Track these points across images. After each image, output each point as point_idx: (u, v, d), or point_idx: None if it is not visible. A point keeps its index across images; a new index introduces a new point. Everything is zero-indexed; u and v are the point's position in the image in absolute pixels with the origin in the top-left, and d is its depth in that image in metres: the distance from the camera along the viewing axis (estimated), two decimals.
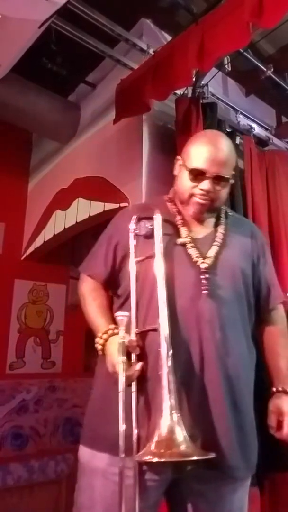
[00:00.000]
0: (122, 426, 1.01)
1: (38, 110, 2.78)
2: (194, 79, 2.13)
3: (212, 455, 0.95)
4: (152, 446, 0.92)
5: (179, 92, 2.28)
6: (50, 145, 3.24)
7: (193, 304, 1.13)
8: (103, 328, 1.17)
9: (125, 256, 1.24)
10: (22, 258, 3.30)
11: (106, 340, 1.14)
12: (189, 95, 2.25)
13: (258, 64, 2.47)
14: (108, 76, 2.73)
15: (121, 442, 1.00)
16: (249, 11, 1.61)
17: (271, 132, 2.81)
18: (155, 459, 0.91)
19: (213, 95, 2.39)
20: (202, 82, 2.25)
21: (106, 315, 1.22)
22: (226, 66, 2.30)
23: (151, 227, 1.22)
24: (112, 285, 1.30)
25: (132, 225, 1.25)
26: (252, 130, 2.58)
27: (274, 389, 1.23)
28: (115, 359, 1.06)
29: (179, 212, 1.30)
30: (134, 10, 2.47)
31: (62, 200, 2.89)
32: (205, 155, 1.23)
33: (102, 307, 1.25)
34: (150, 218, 1.25)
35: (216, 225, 1.31)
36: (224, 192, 1.28)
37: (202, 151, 1.24)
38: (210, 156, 1.22)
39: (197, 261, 1.18)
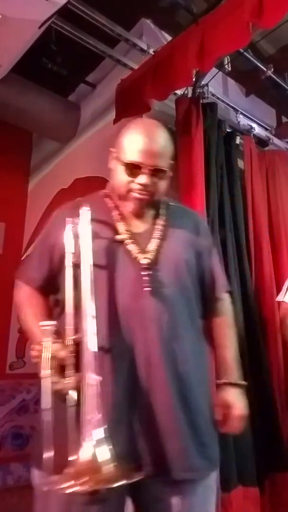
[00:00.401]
0: (46, 447, 0.92)
1: (38, 110, 2.78)
2: (194, 79, 2.14)
3: (139, 477, 0.90)
4: (71, 472, 0.84)
5: (179, 92, 2.28)
6: (50, 145, 3.24)
7: (135, 303, 1.07)
8: (36, 339, 1.08)
9: (63, 258, 1.14)
10: (22, 258, 3.30)
11: (39, 351, 1.05)
12: (189, 95, 2.25)
13: (258, 64, 2.48)
14: (108, 76, 2.73)
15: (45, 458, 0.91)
16: (249, 11, 1.61)
17: (271, 132, 2.82)
18: (72, 489, 0.82)
19: (213, 95, 2.40)
20: (202, 82, 2.25)
21: (40, 320, 1.13)
22: (226, 66, 2.30)
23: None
24: (51, 289, 1.21)
25: (68, 225, 1.16)
26: (252, 130, 2.58)
27: (218, 381, 1.19)
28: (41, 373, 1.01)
29: (117, 207, 1.22)
30: (134, 10, 2.47)
31: (62, 200, 2.88)
32: (139, 147, 1.14)
33: (37, 315, 1.17)
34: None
35: (155, 218, 1.24)
36: (163, 184, 1.20)
37: (136, 142, 1.15)
38: (144, 147, 1.14)
39: (137, 257, 1.12)
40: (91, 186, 2.66)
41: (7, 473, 2.64)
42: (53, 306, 1.23)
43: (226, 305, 1.31)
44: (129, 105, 2.19)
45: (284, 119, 3.06)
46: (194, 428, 1.05)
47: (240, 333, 1.97)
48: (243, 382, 1.20)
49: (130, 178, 1.16)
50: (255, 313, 2.10)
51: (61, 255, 1.15)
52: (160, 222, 1.22)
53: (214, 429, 1.13)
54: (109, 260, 1.12)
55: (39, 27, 1.62)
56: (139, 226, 1.21)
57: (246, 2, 1.63)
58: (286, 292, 2.07)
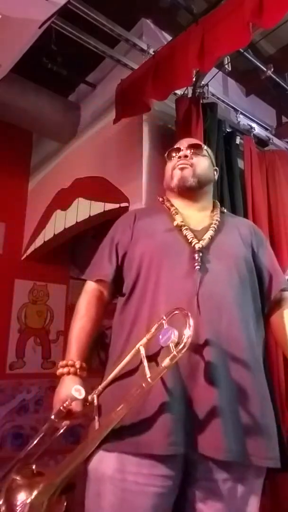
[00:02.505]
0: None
1: (38, 110, 2.78)
2: (194, 79, 2.13)
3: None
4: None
5: (179, 92, 2.28)
6: (50, 145, 3.24)
7: (186, 284, 1.14)
8: (67, 357, 1.20)
9: (125, 255, 1.29)
10: (22, 258, 3.30)
11: (62, 374, 1.16)
12: (189, 95, 2.25)
13: (259, 64, 2.47)
14: (108, 76, 2.73)
15: None
16: (249, 11, 1.61)
17: (271, 132, 2.81)
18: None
19: (213, 95, 2.40)
20: (202, 82, 2.25)
21: (81, 341, 1.24)
22: (226, 66, 2.30)
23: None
24: (118, 285, 1.31)
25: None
26: (252, 130, 2.58)
27: None
28: (54, 406, 1.11)
29: (172, 205, 1.36)
30: (134, 10, 2.47)
31: (62, 200, 2.89)
32: (179, 141, 1.44)
33: (84, 329, 1.25)
34: (146, 217, 1.35)
35: (210, 218, 1.34)
36: (203, 161, 1.39)
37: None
38: (183, 140, 1.44)
39: (192, 242, 1.21)
40: (91, 186, 2.67)
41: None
42: (118, 300, 1.30)
43: (287, 299, 1.33)
44: (129, 105, 2.19)
45: (284, 119, 3.06)
46: (241, 418, 1.05)
47: None
48: None
49: (172, 161, 1.39)
50: None
51: (124, 252, 1.30)
52: (217, 218, 1.33)
53: (270, 424, 1.14)
54: (167, 250, 1.22)
55: (39, 27, 1.62)
56: (196, 223, 1.30)
57: (246, 2, 1.63)
58: None
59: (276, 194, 2.50)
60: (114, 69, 2.63)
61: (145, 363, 1.00)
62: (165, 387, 1.03)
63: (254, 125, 2.60)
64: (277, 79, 2.62)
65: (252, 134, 2.56)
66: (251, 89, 3.02)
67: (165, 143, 2.30)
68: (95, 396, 1.11)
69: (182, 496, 1.09)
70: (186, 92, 2.28)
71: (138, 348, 1.05)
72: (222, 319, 1.11)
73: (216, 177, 1.47)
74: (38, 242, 3.14)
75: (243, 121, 2.54)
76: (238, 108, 2.57)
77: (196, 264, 1.16)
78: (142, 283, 1.21)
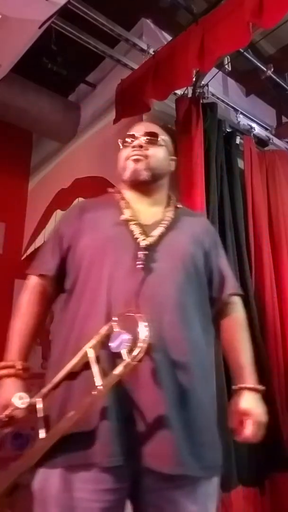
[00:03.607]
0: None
1: (38, 110, 2.78)
2: (194, 79, 2.14)
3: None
4: None
5: (179, 92, 2.28)
6: (51, 145, 3.24)
7: (130, 283, 1.06)
8: (7, 357, 1.12)
9: (69, 248, 1.20)
10: (22, 258, 3.30)
11: (0, 376, 1.08)
12: (189, 95, 2.25)
13: (258, 64, 2.48)
14: (108, 76, 2.73)
15: None
16: (249, 11, 1.61)
17: (271, 132, 2.82)
18: None
19: (213, 95, 2.40)
20: (202, 82, 2.25)
21: (23, 339, 1.16)
22: (226, 66, 2.30)
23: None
24: (63, 280, 1.22)
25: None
26: (252, 130, 2.58)
27: (234, 387, 1.15)
28: None
29: (123, 198, 1.27)
30: (134, 10, 2.47)
31: (63, 200, 2.89)
32: (133, 127, 1.33)
33: (26, 327, 1.18)
34: (95, 209, 1.26)
35: (165, 211, 1.26)
36: (158, 151, 1.28)
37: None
38: (138, 125, 1.34)
39: (138, 238, 1.12)
40: (91, 186, 2.66)
41: None
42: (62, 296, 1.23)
43: (238, 308, 1.28)
44: (129, 105, 2.19)
45: (284, 119, 3.06)
46: (189, 426, 0.99)
47: None
48: (261, 387, 1.14)
49: (126, 149, 1.28)
50: (255, 313, 2.10)
51: (68, 246, 1.20)
52: (169, 214, 1.24)
53: (215, 432, 1.07)
54: (113, 245, 1.14)
55: (39, 27, 1.62)
56: (147, 218, 1.21)
57: (246, 2, 1.63)
58: None
59: (276, 194, 2.50)
60: (114, 69, 2.63)
61: (95, 369, 0.93)
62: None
63: (254, 125, 2.60)
64: (277, 79, 2.62)
65: (252, 134, 2.56)
66: (251, 89, 3.02)
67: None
68: (39, 399, 1.00)
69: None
70: (186, 92, 2.28)
71: (86, 351, 0.97)
72: (164, 321, 1.03)
73: (173, 168, 1.35)
74: (38, 242, 3.14)
75: (243, 121, 2.54)
76: (238, 108, 2.57)
77: (139, 262, 1.07)
78: (83, 280, 1.12)
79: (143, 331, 0.91)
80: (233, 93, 2.85)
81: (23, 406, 0.98)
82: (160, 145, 1.29)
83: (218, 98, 2.46)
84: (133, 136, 1.28)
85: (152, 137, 1.28)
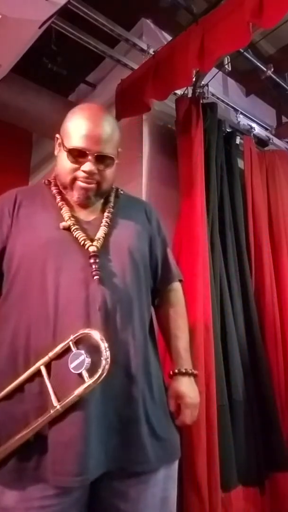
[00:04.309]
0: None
1: (38, 110, 2.77)
2: (194, 79, 2.14)
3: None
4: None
5: (179, 92, 2.28)
6: (51, 145, 3.21)
7: (82, 292, 1.01)
8: None
9: (4, 249, 1.12)
10: None
11: None
12: (189, 95, 2.25)
13: (258, 64, 2.48)
14: (108, 76, 2.73)
15: None
16: (249, 11, 1.61)
17: (271, 132, 2.82)
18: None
19: (213, 95, 2.40)
20: (202, 82, 2.25)
21: None
22: (226, 66, 2.30)
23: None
24: None
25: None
26: (252, 130, 2.58)
27: (171, 372, 1.16)
28: None
29: (60, 193, 1.17)
30: (134, 10, 2.47)
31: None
32: (84, 132, 1.10)
33: None
34: (30, 204, 1.16)
35: (104, 208, 1.19)
36: (110, 173, 1.16)
37: (81, 127, 1.11)
38: (89, 133, 1.10)
39: (85, 245, 1.06)
40: None
41: None
42: None
43: (178, 295, 1.28)
44: (129, 105, 2.19)
45: (284, 119, 3.06)
46: (148, 422, 1.01)
47: (240, 333, 1.97)
48: (194, 371, 1.17)
49: (75, 165, 1.11)
50: (255, 313, 2.10)
51: (2, 247, 1.12)
52: (109, 210, 1.18)
53: (171, 422, 1.10)
54: (55, 250, 1.07)
55: (39, 27, 1.62)
56: (87, 215, 1.16)
57: (246, 2, 1.63)
58: None
59: (276, 194, 2.50)
60: (114, 69, 2.63)
61: (50, 388, 0.92)
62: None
63: (254, 125, 2.60)
64: (277, 79, 2.62)
65: (252, 134, 2.56)
66: (251, 89, 3.02)
67: (165, 143, 2.31)
68: None
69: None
70: (186, 92, 2.28)
71: (38, 367, 0.96)
72: (112, 325, 1.02)
73: (119, 160, 1.21)
74: None
75: (243, 121, 2.54)
76: (238, 108, 2.57)
77: (94, 272, 1.02)
78: (23, 286, 1.06)
79: (105, 353, 0.91)
80: (233, 93, 2.85)
81: None
82: (114, 163, 1.16)
83: (218, 98, 2.46)
84: (83, 154, 1.10)
85: (107, 160, 1.13)
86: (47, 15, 1.57)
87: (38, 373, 0.97)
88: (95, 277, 1.02)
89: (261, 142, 2.73)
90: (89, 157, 1.10)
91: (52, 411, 0.91)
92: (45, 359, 0.96)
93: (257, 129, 2.62)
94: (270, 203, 2.48)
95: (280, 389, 2.05)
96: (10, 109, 2.68)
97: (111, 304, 1.03)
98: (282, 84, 2.69)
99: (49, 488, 0.92)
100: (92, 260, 1.04)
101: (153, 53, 2.22)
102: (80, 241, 1.07)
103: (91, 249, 1.06)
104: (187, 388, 1.14)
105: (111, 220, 1.16)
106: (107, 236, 1.11)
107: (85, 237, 1.08)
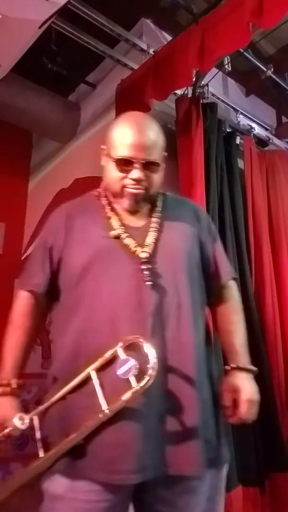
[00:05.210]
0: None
1: (38, 110, 2.78)
2: (194, 79, 2.14)
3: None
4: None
5: (179, 92, 2.28)
6: (51, 145, 3.24)
7: (134, 297, 1.04)
8: (1, 375, 1.11)
9: (60, 260, 1.17)
10: (23, 258, 3.30)
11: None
12: (189, 95, 2.25)
13: (258, 64, 2.48)
14: (108, 76, 2.73)
15: None
16: (249, 11, 1.61)
17: (271, 132, 2.82)
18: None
19: (213, 95, 2.40)
20: (202, 82, 2.25)
21: (16, 356, 1.15)
22: (226, 66, 2.30)
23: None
24: (54, 293, 1.20)
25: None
26: (252, 130, 2.58)
27: (227, 367, 1.16)
28: None
29: (110, 204, 1.21)
30: (134, 10, 2.47)
31: (63, 200, 2.88)
32: (130, 141, 1.12)
33: (19, 343, 1.16)
34: (81, 215, 1.20)
35: (152, 211, 1.21)
36: (157, 177, 1.18)
37: (126, 136, 1.13)
38: (135, 141, 1.12)
39: (135, 251, 1.09)
40: (91, 186, 2.66)
41: (7, 473, 2.63)
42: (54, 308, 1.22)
43: (232, 292, 1.28)
44: (129, 105, 2.18)
45: (284, 119, 3.06)
46: (203, 425, 1.02)
47: None
48: (253, 367, 1.16)
49: (123, 174, 1.14)
50: (255, 313, 2.10)
51: (59, 258, 1.17)
52: (157, 215, 1.20)
53: (224, 427, 1.10)
54: (107, 258, 1.10)
55: (39, 27, 1.62)
56: (135, 221, 1.18)
57: (246, 2, 1.63)
58: None
59: (276, 194, 2.50)
60: (114, 69, 2.63)
61: (99, 392, 0.95)
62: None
63: (254, 125, 2.60)
64: (277, 79, 2.63)
65: (252, 134, 2.56)
66: (251, 89, 3.02)
67: (165, 143, 2.30)
68: (35, 417, 1.03)
69: None
70: (186, 92, 2.28)
71: (89, 372, 0.99)
72: (171, 329, 1.05)
73: (165, 165, 1.24)
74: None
75: (243, 121, 2.54)
76: (238, 108, 2.57)
77: (146, 278, 1.05)
78: (78, 293, 1.10)
79: (152, 359, 0.92)
80: (233, 93, 2.85)
81: (24, 427, 1.00)
82: (158, 168, 1.18)
83: (218, 98, 2.46)
84: (129, 163, 1.13)
85: (153, 166, 1.16)
86: (47, 15, 1.57)
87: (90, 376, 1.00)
88: (147, 283, 1.05)
89: (261, 142, 2.73)
90: (136, 165, 1.13)
91: (101, 415, 0.94)
92: (96, 364, 0.98)
93: (257, 129, 2.62)
94: (270, 203, 2.48)
95: (280, 389, 2.05)
96: (10, 109, 2.68)
97: (164, 309, 1.05)
98: (282, 84, 2.69)
99: (96, 485, 0.95)
100: (143, 266, 1.07)
101: (153, 53, 2.22)
102: (130, 248, 1.10)
103: (142, 255, 1.09)
104: (244, 383, 1.11)
105: (159, 224, 1.18)
106: (156, 241, 1.14)
107: (135, 244, 1.11)
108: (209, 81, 2.29)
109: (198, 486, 1.03)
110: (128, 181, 1.14)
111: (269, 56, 2.77)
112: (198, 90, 2.24)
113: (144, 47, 2.30)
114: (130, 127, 1.16)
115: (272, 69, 2.48)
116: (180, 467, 0.98)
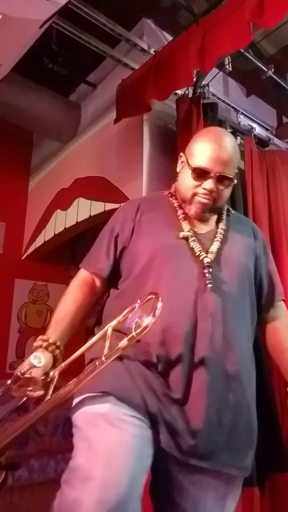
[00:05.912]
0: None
1: (39, 110, 2.78)
2: (195, 79, 2.13)
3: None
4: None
5: (179, 92, 2.28)
6: (51, 145, 3.25)
7: (196, 297, 1.12)
8: (47, 332, 1.21)
9: (124, 249, 1.26)
10: (23, 257, 3.31)
11: (35, 347, 1.18)
12: (190, 95, 2.25)
13: (259, 64, 2.48)
14: (109, 76, 2.73)
15: None
16: (250, 11, 1.61)
17: (271, 132, 2.81)
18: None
19: (214, 95, 2.40)
20: (203, 82, 2.25)
21: (61, 324, 1.23)
22: (227, 66, 2.30)
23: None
24: (114, 278, 1.28)
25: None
26: (253, 130, 2.58)
27: None
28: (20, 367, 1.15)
29: (181, 207, 1.29)
30: (135, 10, 2.47)
31: (63, 200, 2.90)
32: (209, 154, 1.20)
33: (67, 313, 1.24)
34: (151, 212, 1.28)
35: (218, 222, 1.30)
36: (227, 192, 1.26)
37: (206, 149, 1.21)
38: (214, 154, 1.20)
39: (200, 255, 1.17)
40: (91, 186, 2.67)
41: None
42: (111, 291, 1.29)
43: (284, 311, 1.34)
44: (130, 105, 2.19)
45: (284, 119, 3.06)
46: (247, 431, 1.10)
47: None
48: None
49: (197, 183, 1.22)
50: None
51: (123, 247, 1.26)
52: (222, 226, 1.28)
53: (255, 436, 1.15)
54: (173, 255, 1.18)
55: (40, 27, 1.62)
56: (202, 228, 1.26)
57: (246, 2, 1.63)
58: None
59: (276, 194, 2.50)
60: (114, 69, 2.63)
61: (107, 343, 1.00)
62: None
63: (254, 125, 2.60)
64: (278, 80, 2.63)
65: (252, 135, 2.56)
66: (251, 89, 3.03)
67: (165, 143, 2.31)
68: (56, 373, 1.13)
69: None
70: (186, 92, 2.28)
71: (107, 329, 1.04)
72: (218, 332, 1.12)
73: (236, 180, 1.32)
74: (39, 242, 3.14)
75: (243, 121, 2.54)
76: (238, 108, 2.57)
77: (207, 281, 1.13)
78: (138, 283, 1.17)
79: (155, 311, 0.96)
80: (233, 93, 2.85)
81: (39, 365, 1.10)
82: (232, 183, 1.26)
83: (218, 98, 2.46)
84: (206, 173, 1.21)
85: (226, 181, 1.23)
86: (48, 15, 1.57)
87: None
88: (208, 286, 1.13)
89: (262, 143, 2.73)
90: (211, 176, 1.21)
91: (97, 362, 0.97)
92: (114, 322, 1.04)
93: (258, 129, 2.62)
94: (271, 203, 2.47)
95: (280, 389, 2.05)
96: (10, 109, 2.68)
97: (221, 312, 1.12)
98: (283, 84, 2.69)
99: (138, 414, 1.03)
100: (206, 270, 1.15)
101: (153, 53, 2.22)
102: (195, 251, 1.18)
103: (206, 260, 1.16)
104: None
105: (223, 235, 1.26)
106: (219, 250, 1.21)
107: (200, 249, 1.18)
108: (210, 81, 2.29)
109: (220, 486, 1.10)
110: (200, 190, 1.22)
111: (269, 56, 2.77)
112: (199, 90, 2.24)
113: (145, 47, 2.30)
114: (213, 141, 1.24)
115: (273, 69, 2.48)
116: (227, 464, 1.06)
